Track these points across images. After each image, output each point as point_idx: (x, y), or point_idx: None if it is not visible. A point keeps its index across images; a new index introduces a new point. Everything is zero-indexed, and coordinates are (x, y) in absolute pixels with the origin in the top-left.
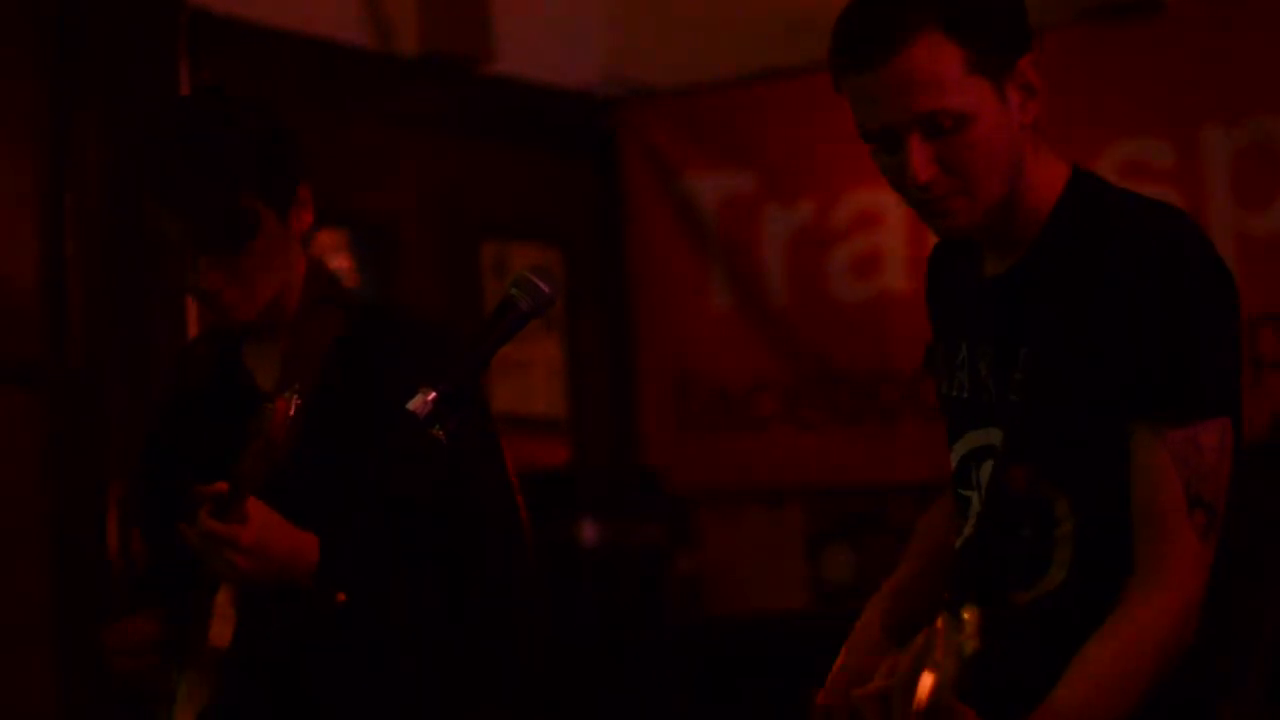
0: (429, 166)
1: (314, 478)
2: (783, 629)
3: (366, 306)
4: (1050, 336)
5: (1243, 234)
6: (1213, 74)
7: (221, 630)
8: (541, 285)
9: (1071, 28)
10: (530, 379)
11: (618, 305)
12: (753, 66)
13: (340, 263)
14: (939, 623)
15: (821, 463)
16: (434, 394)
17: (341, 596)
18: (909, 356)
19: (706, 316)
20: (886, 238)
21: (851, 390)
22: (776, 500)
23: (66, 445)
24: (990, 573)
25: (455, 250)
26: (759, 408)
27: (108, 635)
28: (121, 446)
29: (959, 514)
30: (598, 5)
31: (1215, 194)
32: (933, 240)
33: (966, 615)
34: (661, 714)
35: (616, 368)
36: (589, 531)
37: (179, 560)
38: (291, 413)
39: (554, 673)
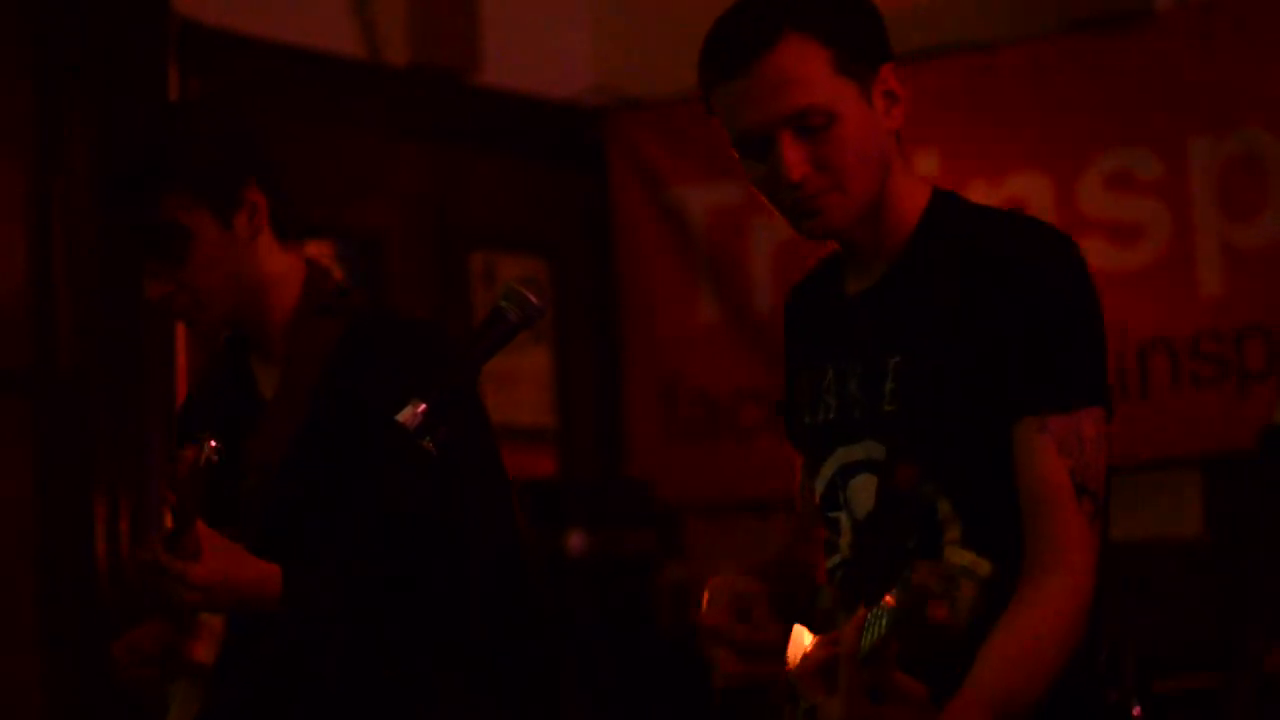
0: (417, 177)
1: (311, 487)
2: None
3: (367, 314)
4: (923, 343)
5: (1229, 246)
6: (1201, 85)
7: (207, 646)
8: (530, 297)
9: (1059, 38)
10: (518, 390)
11: (606, 316)
12: None
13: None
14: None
15: None
16: (423, 406)
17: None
18: None
19: (694, 327)
20: None
21: None
22: (764, 510)
23: (54, 453)
24: (877, 587)
25: (443, 261)
26: (746, 418)
27: (117, 649)
28: (109, 454)
29: (830, 537)
30: (585, 17)
31: (1202, 205)
32: None
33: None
34: None
35: (604, 378)
36: (577, 541)
37: None
38: (202, 463)
39: (550, 686)
